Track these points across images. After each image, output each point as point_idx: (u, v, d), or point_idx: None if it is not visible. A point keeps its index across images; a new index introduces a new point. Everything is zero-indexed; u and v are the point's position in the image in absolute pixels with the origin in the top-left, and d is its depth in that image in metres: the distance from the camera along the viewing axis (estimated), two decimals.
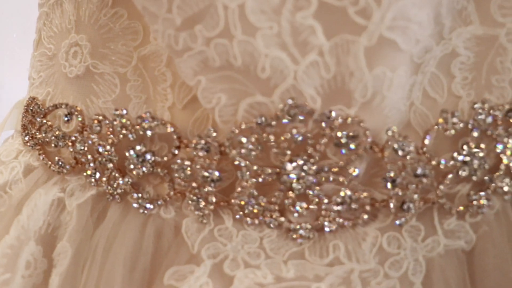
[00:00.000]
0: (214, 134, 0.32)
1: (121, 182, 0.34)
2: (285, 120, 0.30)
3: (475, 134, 0.32)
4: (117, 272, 0.33)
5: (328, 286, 0.30)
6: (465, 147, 0.32)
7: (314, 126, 0.31)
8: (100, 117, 0.34)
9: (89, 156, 0.35)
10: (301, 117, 0.30)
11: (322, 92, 0.30)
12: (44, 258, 0.35)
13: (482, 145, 0.32)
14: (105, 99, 0.36)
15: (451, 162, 0.31)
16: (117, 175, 0.34)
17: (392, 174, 0.31)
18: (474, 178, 0.32)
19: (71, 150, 0.36)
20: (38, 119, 0.37)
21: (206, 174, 0.32)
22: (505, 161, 0.32)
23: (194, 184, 0.33)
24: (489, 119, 0.32)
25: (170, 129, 0.33)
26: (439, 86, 0.33)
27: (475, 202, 0.32)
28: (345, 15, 0.29)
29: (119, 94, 0.36)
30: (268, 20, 0.29)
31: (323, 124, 0.30)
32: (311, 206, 0.32)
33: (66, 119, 0.36)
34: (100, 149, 0.34)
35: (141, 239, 0.34)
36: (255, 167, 0.32)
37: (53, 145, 0.36)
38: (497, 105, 0.32)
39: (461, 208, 0.32)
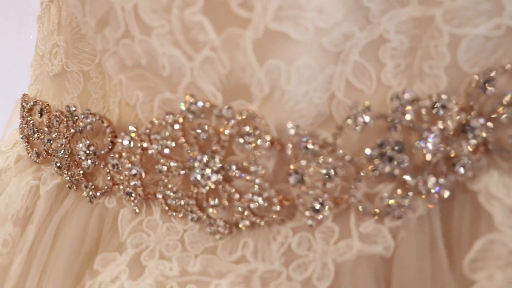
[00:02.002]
0: (135, 129, 0.33)
1: (76, 171, 0.37)
2: (190, 116, 0.30)
3: (395, 129, 0.29)
4: (63, 254, 0.36)
5: (228, 284, 0.30)
6: (380, 143, 0.29)
7: (218, 122, 0.30)
8: (58, 113, 0.38)
9: (53, 149, 0.38)
10: (202, 114, 0.30)
11: (222, 88, 0.30)
12: (22, 238, 0.40)
13: (400, 142, 0.28)
14: (73, 95, 0.39)
15: (368, 159, 0.29)
16: (73, 166, 0.37)
17: (294, 172, 0.29)
18: (394, 175, 0.29)
19: (42, 142, 0.39)
20: (25, 114, 0.42)
21: (130, 167, 0.34)
22: (428, 159, 0.28)
23: (124, 177, 0.34)
24: (411, 113, 0.28)
25: (105, 124, 0.35)
26: (365, 76, 0.30)
27: (396, 205, 0.29)
28: (229, 9, 0.28)
29: (82, 90, 0.38)
30: (159, 19, 0.29)
31: (225, 120, 0.30)
32: (223, 202, 0.31)
33: (39, 115, 0.40)
34: (60, 142, 0.37)
35: (87, 225, 0.36)
36: (169, 162, 0.32)
37: (31, 137, 0.41)
38: (425, 96, 0.28)
39: (378, 210, 0.29)
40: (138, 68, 0.31)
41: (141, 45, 0.30)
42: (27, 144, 0.42)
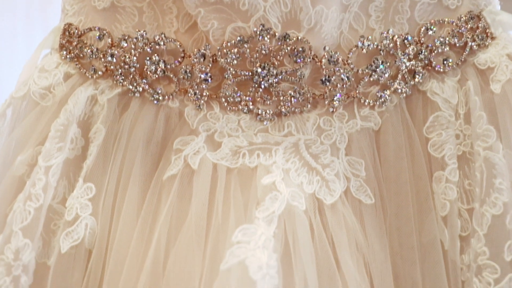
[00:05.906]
0: (209, 46, 0.47)
1: (141, 82, 0.49)
2: (259, 38, 0.46)
3: (382, 53, 0.48)
4: (138, 144, 0.47)
5: (283, 148, 0.46)
6: (375, 61, 0.48)
7: (276, 44, 0.46)
8: (126, 36, 0.49)
9: (116, 65, 0.49)
10: (267, 37, 0.46)
11: (282, 21, 0.46)
12: (82, 138, 0.49)
13: (386, 60, 0.48)
14: (127, 25, 0.50)
15: (366, 71, 0.48)
16: (137, 77, 0.49)
17: (326, 77, 0.47)
18: (380, 81, 0.48)
19: (102, 60, 0.50)
20: (75, 39, 0.51)
21: (202, 76, 0.47)
22: (401, 70, 0.48)
23: (194, 83, 0.48)
24: (391, 44, 0.48)
25: (178, 45, 0.48)
26: (360, 22, 0.48)
27: (381, 98, 0.48)
28: None
29: (137, 22, 0.50)
30: None
31: (282, 42, 0.46)
32: (273, 98, 0.47)
33: (98, 38, 0.50)
34: (126, 59, 0.49)
35: (155, 121, 0.48)
36: (235, 71, 0.47)
37: (87, 57, 0.50)
38: (398, 35, 0.48)
39: (372, 101, 0.48)
40: (218, 4, 0.45)
41: None
42: (77, 64, 0.51)
